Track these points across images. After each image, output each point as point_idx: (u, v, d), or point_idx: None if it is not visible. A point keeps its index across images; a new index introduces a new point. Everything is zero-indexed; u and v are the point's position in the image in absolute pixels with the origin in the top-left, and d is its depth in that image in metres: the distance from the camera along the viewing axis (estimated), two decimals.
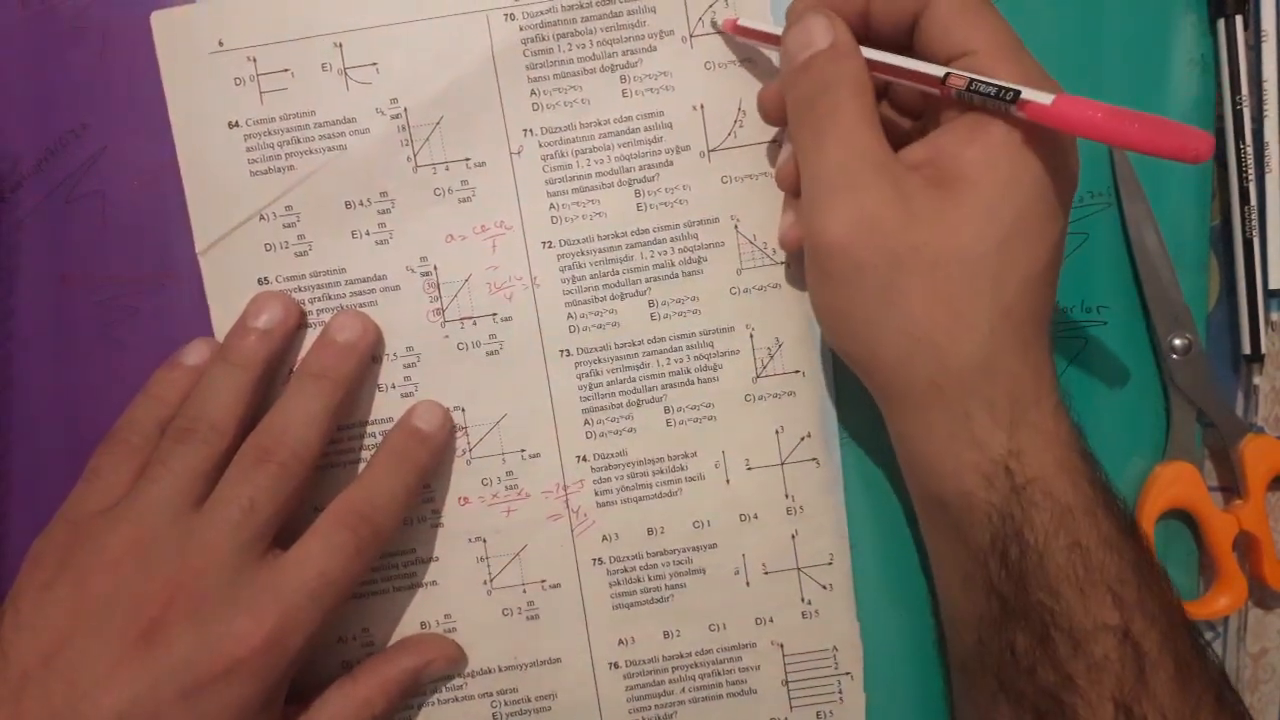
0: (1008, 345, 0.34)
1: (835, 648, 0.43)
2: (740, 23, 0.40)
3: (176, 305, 0.43)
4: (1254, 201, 0.42)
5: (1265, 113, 0.43)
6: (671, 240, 0.42)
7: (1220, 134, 0.43)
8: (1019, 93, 0.33)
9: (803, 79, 0.36)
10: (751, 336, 0.42)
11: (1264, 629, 0.45)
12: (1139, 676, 0.33)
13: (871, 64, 0.36)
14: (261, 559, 0.37)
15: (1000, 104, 0.33)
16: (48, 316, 0.43)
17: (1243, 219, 0.42)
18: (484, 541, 0.43)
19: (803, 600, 0.43)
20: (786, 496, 0.43)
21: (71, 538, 0.38)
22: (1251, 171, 0.42)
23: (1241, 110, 0.42)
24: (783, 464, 0.43)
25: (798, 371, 0.42)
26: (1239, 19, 0.42)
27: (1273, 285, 0.43)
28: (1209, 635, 0.45)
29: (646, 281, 0.42)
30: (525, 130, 0.42)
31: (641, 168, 0.42)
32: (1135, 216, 0.43)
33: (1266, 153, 0.43)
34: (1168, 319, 0.43)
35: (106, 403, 0.41)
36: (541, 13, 0.41)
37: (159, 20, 0.41)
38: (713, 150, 0.42)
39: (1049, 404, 0.35)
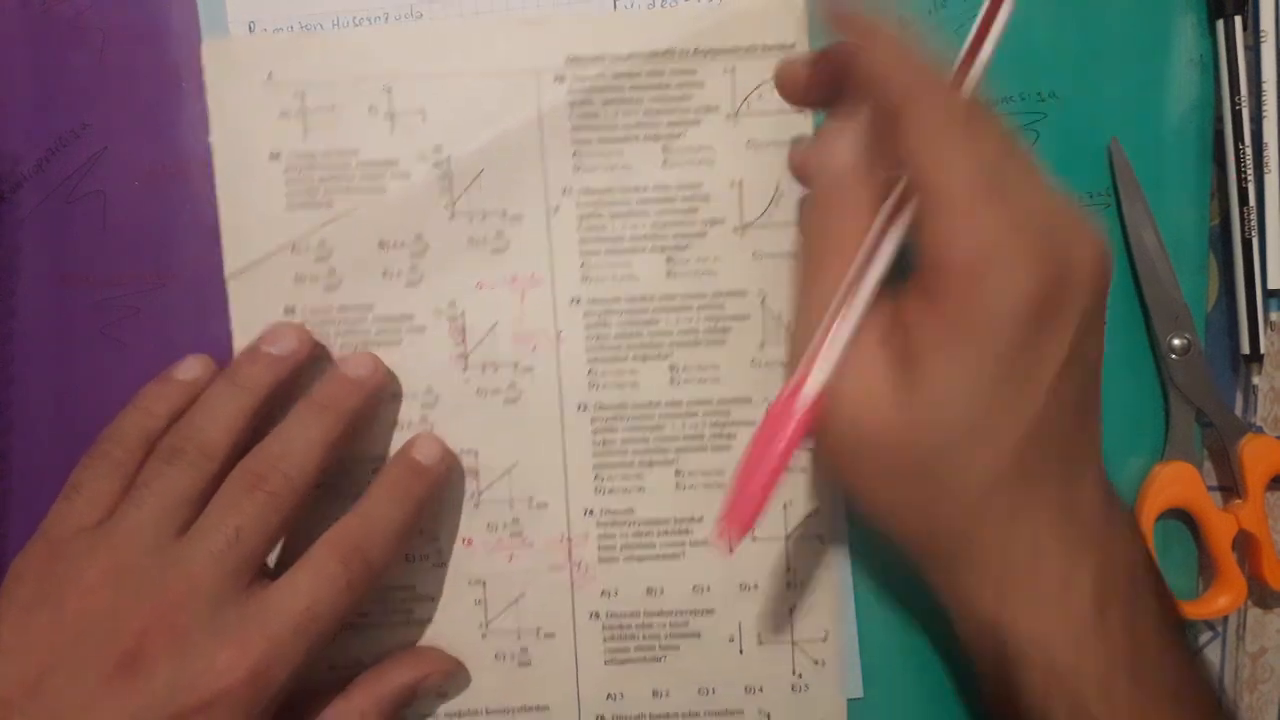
0: (990, 518, 0.33)
1: None
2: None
3: (176, 305, 0.43)
4: (1253, 201, 0.42)
5: (1264, 113, 0.43)
6: (698, 308, 0.43)
7: (1219, 134, 0.43)
8: None
9: (808, 208, 0.37)
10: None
11: (1263, 629, 0.45)
12: None
13: None
14: (247, 589, 0.36)
15: None
16: (48, 316, 0.43)
17: (1242, 219, 0.42)
18: (483, 585, 0.43)
19: (794, 673, 0.43)
20: (788, 570, 0.43)
21: (50, 557, 0.37)
22: (1250, 172, 0.42)
23: (1241, 110, 0.42)
24: (787, 537, 0.43)
25: (809, 448, 0.43)
26: (1238, 19, 0.42)
27: (1272, 285, 0.43)
28: (1208, 635, 0.45)
29: (670, 346, 0.43)
30: (564, 189, 0.42)
31: (675, 236, 0.42)
32: (1134, 216, 0.43)
33: (1266, 153, 0.43)
34: (1167, 319, 0.43)
35: (106, 403, 0.41)
36: (591, 77, 0.42)
37: (210, 48, 0.42)
38: (747, 226, 0.42)
39: (1053, 567, 0.33)
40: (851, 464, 0.35)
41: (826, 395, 0.33)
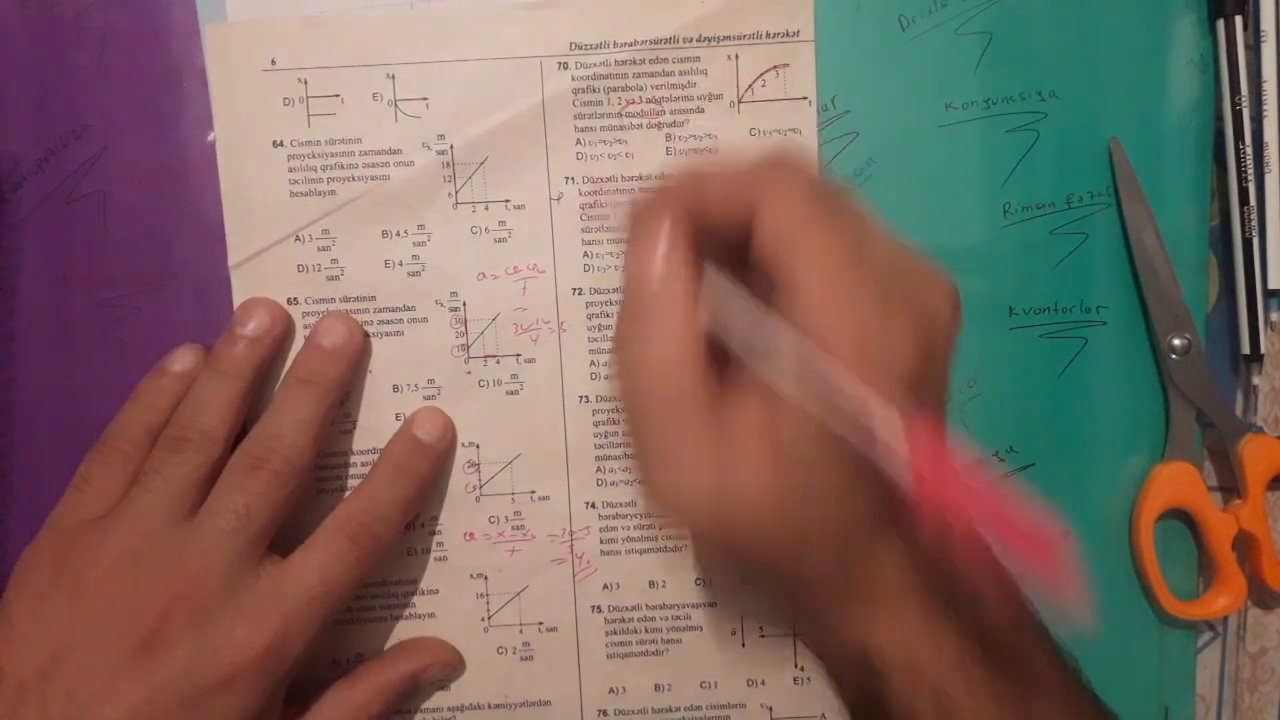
0: (854, 552, 0.32)
1: (824, 715, 0.43)
2: None
3: (176, 305, 0.43)
4: (1253, 201, 0.43)
5: (1265, 113, 0.43)
6: None
7: (1220, 134, 0.43)
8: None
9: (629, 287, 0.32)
10: None
11: (1263, 629, 0.45)
12: None
13: None
14: (259, 566, 0.37)
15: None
16: (48, 316, 0.43)
17: (1242, 219, 0.42)
18: (485, 579, 0.43)
19: (796, 666, 0.43)
20: None
21: (63, 547, 0.37)
22: (1250, 171, 0.43)
23: (1241, 110, 0.42)
24: None
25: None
26: (1238, 19, 0.42)
27: (1272, 285, 0.43)
28: (1208, 635, 0.45)
29: None
30: (567, 178, 0.42)
31: None
32: (1134, 216, 0.43)
33: (1266, 153, 0.43)
34: (1167, 319, 0.43)
35: (106, 403, 0.41)
36: (595, 65, 0.42)
37: (213, 32, 0.42)
38: None
39: (909, 578, 0.33)
40: (737, 537, 0.31)
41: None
